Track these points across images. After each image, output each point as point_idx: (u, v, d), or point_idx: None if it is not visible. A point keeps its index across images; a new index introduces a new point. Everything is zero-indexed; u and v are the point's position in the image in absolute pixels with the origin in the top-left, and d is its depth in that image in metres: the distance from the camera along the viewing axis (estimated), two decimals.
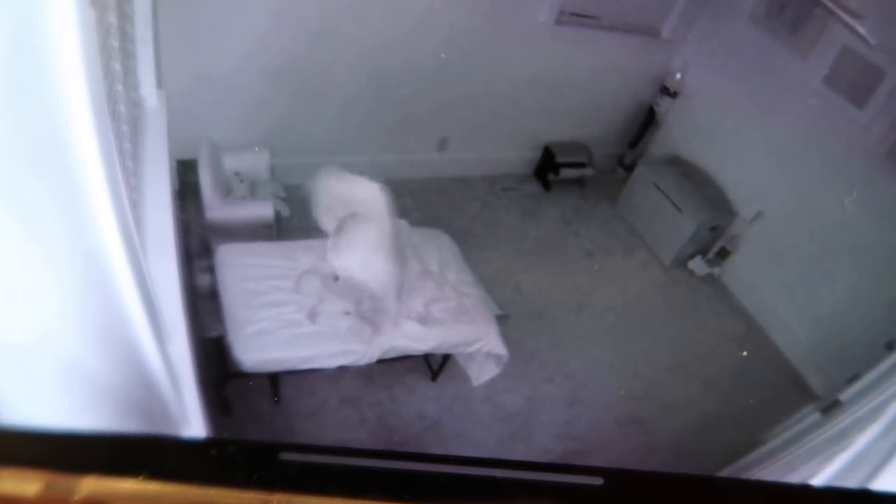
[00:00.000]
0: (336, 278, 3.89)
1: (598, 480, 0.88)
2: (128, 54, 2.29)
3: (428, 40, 5.01)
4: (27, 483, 0.76)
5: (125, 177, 1.59)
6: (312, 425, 3.86)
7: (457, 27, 5.03)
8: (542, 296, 5.25)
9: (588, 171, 6.54)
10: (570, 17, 5.54)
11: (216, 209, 4.12)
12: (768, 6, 5.51)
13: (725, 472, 3.44)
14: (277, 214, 4.54)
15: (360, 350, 3.65)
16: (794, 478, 2.68)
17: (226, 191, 4.36)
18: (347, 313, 3.77)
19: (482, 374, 4.22)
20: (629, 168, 6.79)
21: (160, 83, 2.67)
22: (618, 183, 6.75)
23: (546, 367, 4.65)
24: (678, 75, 6.34)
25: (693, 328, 5.56)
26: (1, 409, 1.01)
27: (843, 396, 2.97)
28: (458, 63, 5.26)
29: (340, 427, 3.91)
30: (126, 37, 2.22)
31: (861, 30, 4.66)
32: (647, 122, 6.74)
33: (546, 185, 6.50)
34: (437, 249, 4.34)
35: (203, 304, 3.35)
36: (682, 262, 6.10)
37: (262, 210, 4.38)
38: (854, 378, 3.05)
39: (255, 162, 4.73)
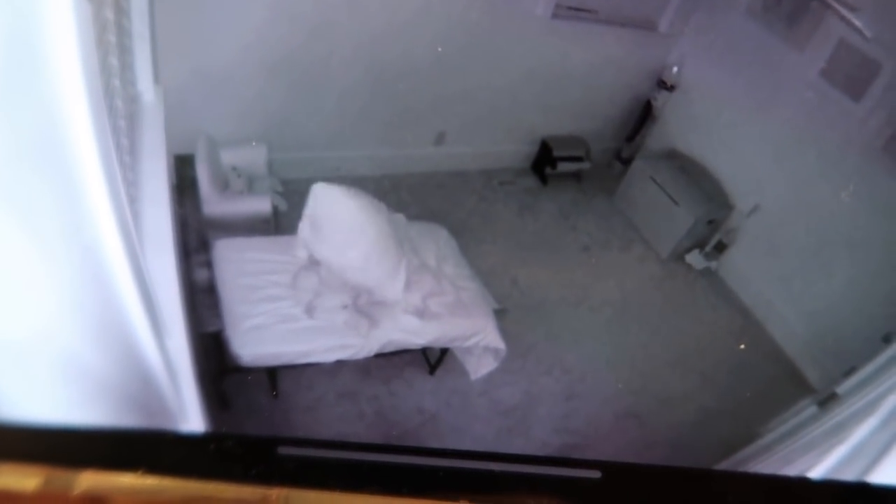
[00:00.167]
0: (330, 272, 3.88)
1: (595, 474, 0.88)
2: (125, 49, 2.29)
3: (425, 34, 5.00)
4: (27, 478, 0.76)
5: (123, 172, 1.59)
6: (310, 420, 3.86)
7: (453, 21, 5.03)
8: (540, 290, 5.25)
9: (585, 165, 6.54)
10: (567, 11, 5.54)
11: (214, 204, 4.12)
12: None
13: (723, 466, 3.44)
14: (275, 209, 4.54)
15: (357, 344, 3.65)
16: (791, 471, 2.69)
17: (223, 185, 4.35)
18: (345, 307, 3.77)
19: (480, 367, 4.22)
20: (626, 162, 6.78)
21: (157, 78, 2.67)
22: (615, 177, 6.75)
23: (544, 361, 4.66)
24: (675, 69, 6.33)
25: (690, 322, 5.56)
26: (0, 405, 1.01)
27: (840, 389, 2.98)
28: (455, 57, 5.26)
29: (338, 421, 3.91)
30: (123, 32, 2.22)
31: (857, 22, 4.66)
32: (643, 115, 6.73)
33: (543, 179, 6.50)
34: (435, 243, 4.33)
35: (201, 299, 3.35)
36: (679, 256, 6.10)
37: (260, 205, 4.38)
38: (851, 371, 3.06)
39: (253, 156, 4.73)
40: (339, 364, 3.81)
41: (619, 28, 5.93)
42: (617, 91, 6.53)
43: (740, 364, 5.33)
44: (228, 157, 4.55)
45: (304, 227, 3.86)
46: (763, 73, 5.56)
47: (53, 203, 0.98)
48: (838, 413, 2.71)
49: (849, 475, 1.72)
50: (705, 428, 4.62)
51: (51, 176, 0.96)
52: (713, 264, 6.05)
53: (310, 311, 3.68)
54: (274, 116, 4.85)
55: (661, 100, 6.50)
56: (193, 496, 0.80)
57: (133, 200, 1.98)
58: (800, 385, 5.16)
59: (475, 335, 3.97)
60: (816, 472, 1.86)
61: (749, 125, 5.76)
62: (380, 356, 3.82)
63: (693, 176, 6.08)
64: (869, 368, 2.89)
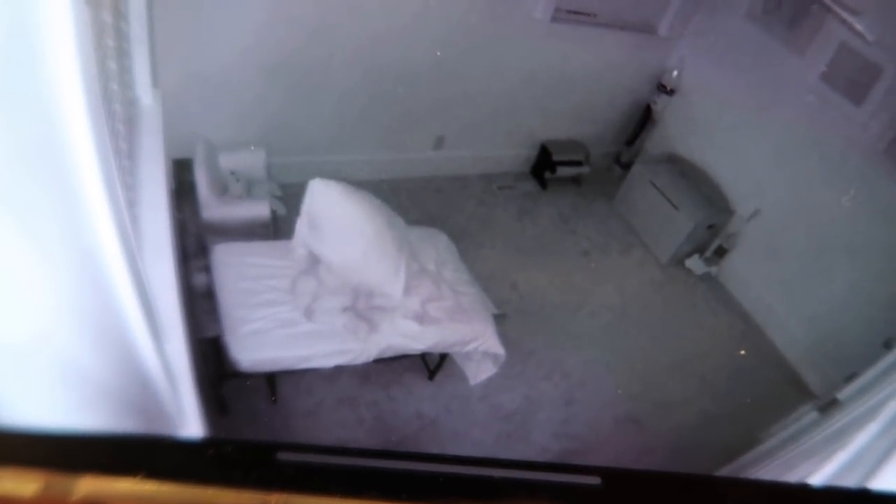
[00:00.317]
0: (329, 270, 3.88)
1: (595, 480, 0.88)
2: (123, 53, 2.29)
3: (424, 38, 5.01)
4: (25, 483, 0.76)
5: (121, 176, 1.59)
6: (310, 425, 3.86)
7: (453, 24, 5.04)
8: (539, 294, 5.26)
9: (585, 170, 6.55)
10: (566, 15, 5.55)
11: (212, 208, 4.12)
12: (765, 2, 5.52)
13: (723, 472, 3.44)
14: (274, 213, 4.54)
15: (356, 349, 3.65)
16: (792, 477, 2.69)
17: (222, 190, 4.35)
18: (344, 310, 3.76)
19: (479, 373, 4.21)
20: (626, 166, 6.80)
21: (156, 82, 2.66)
22: (615, 181, 6.77)
23: (543, 366, 4.66)
24: (675, 73, 6.35)
25: (690, 327, 5.57)
26: None
27: (841, 395, 2.97)
28: (454, 60, 5.26)
29: (337, 427, 3.90)
30: (121, 35, 2.22)
31: (858, 26, 4.66)
32: (643, 119, 6.75)
33: (543, 184, 6.51)
34: (434, 248, 4.33)
35: (199, 304, 3.34)
36: (679, 261, 6.11)
37: (259, 209, 4.38)
38: (852, 377, 3.05)
39: (252, 161, 4.73)
40: (339, 369, 3.80)
41: (619, 31, 5.95)
42: (617, 95, 6.55)
43: (740, 369, 5.34)
44: (227, 162, 4.55)
45: (301, 224, 3.85)
46: (763, 77, 5.57)
47: (51, 207, 0.98)
48: (839, 419, 2.70)
49: (850, 481, 1.72)
50: (706, 433, 4.62)
51: (49, 179, 0.96)
52: (713, 269, 6.05)
53: (309, 314, 3.67)
54: (273, 120, 4.85)
55: (660, 104, 6.52)
56: (192, 501, 0.79)
57: (131, 204, 1.98)
58: (800, 390, 5.16)
59: (474, 340, 3.96)
60: (817, 479, 1.86)
61: (749, 129, 5.77)
62: (379, 361, 3.81)
63: (693, 180, 6.09)
64: (870, 374, 2.89)
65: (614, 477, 0.89)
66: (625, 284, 5.76)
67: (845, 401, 2.92)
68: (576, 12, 5.60)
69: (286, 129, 4.96)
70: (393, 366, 4.18)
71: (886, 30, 4.60)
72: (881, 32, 4.62)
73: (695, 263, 6.08)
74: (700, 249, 6.10)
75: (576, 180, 6.68)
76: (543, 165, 6.46)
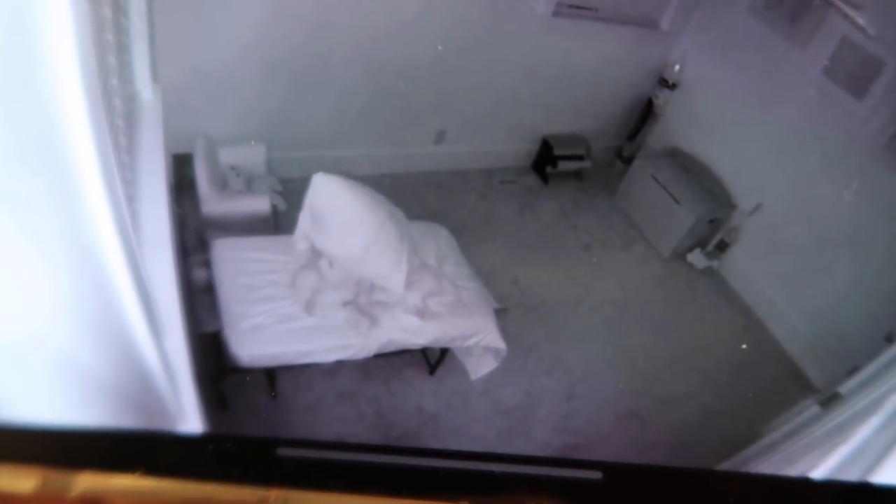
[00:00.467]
0: (331, 264, 3.87)
1: (596, 475, 0.88)
2: (123, 48, 2.28)
3: (425, 32, 5.00)
4: (24, 479, 0.76)
5: (121, 171, 1.58)
6: (310, 420, 3.86)
7: (454, 19, 5.02)
8: (541, 289, 5.25)
9: (586, 164, 6.54)
10: (568, 9, 5.54)
11: (212, 203, 4.11)
12: None
13: (725, 466, 3.44)
14: (274, 208, 4.53)
15: (357, 344, 3.65)
16: (793, 471, 2.69)
17: (222, 185, 4.35)
18: (345, 304, 3.76)
19: (480, 367, 4.21)
20: (627, 160, 6.78)
21: (156, 77, 2.66)
22: (616, 175, 6.76)
23: (544, 361, 4.66)
24: (677, 67, 6.33)
25: (692, 321, 5.57)
26: None
27: (843, 389, 2.98)
28: (456, 55, 5.25)
29: (338, 422, 3.91)
30: (121, 30, 2.21)
31: (860, 20, 4.65)
32: (645, 114, 6.74)
33: (544, 178, 6.50)
34: (435, 243, 4.33)
35: (199, 299, 3.34)
36: (680, 255, 6.10)
37: (259, 204, 4.37)
38: (853, 371, 3.06)
39: (252, 156, 4.73)
40: (339, 364, 3.81)
41: (621, 26, 5.93)
42: (618, 89, 6.54)
43: (742, 363, 5.33)
44: (227, 157, 4.55)
45: (303, 217, 3.85)
46: (765, 71, 5.56)
47: (51, 202, 0.98)
48: (841, 413, 2.70)
49: (851, 475, 1.72)
50: (707, 428, 4.62)
51: (48, 175, 0.95)
52: (715, 263, 6.05)
53: (309, 308, 3.67)
54: (273, 115, 4.84)
55: (662, 98, 6.51)
56: (192, 497, 0.79)
57: (131, 200, 1.97)
58: (802, 384, 5.16)
59: (475, 335, 3.96)
60: (819, 472, 1.86)
61: (751, 123, 5.76)
62: (379, 356, 3.81)
63: (695, 175, 6.08)
64: (871, 368, 2.89)
65: (615, 472, 0.89)
66: (626, 279, 5.76)
67: (847, 395, 2.92)
68: (577, 7, 5.58)
69: (286, 124, 4.95)
70: (393, 361, 4.18)
71: (888, 24, 4.59)
72: (883, 27, 4.61)
73: (696, 258, 6.08)
74: (702, 244, 6.09)
75: (577, 175, 6.67)
76: (545, 160, 6.46)
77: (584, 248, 5.96)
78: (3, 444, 0.83)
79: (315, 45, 4.63)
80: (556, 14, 5.47)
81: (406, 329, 3.77)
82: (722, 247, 6.02)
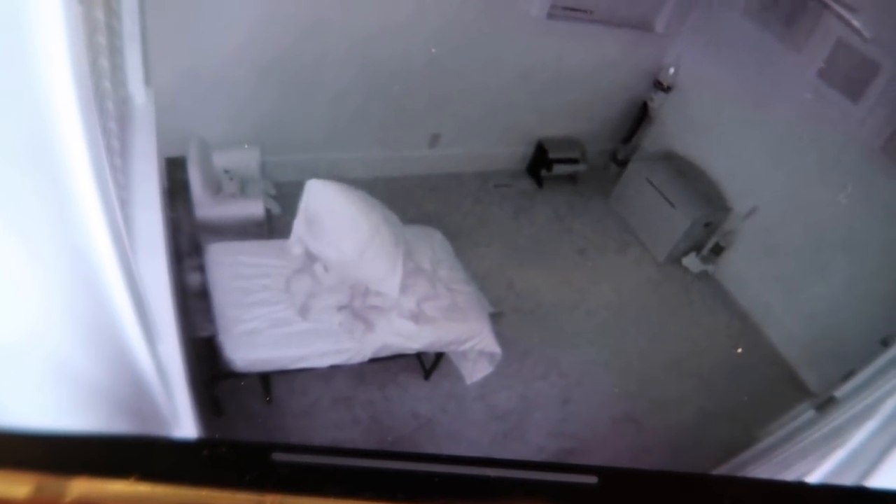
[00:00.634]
0: (326, 269, 3.87)
1: (592, 479, 0.87)
2: (115, 51, 2.28)
3: (419, 35, 5.00)
4: (17, 485, 0.75)
5: (113, 175, 1.58)
6: (305, 425, 3.85)
7: (448, 21, 5.03)
8: (536, 293, 5.26)
9: (581, 167, 6.55)
10: (563, 11, 5.55)
11: (206, 207, 4.11)
12: None
13: (721, 470, 3.44)
14: (268, 212, 4.53)
15: (352, 349, 3.65)
16: (789, 475, 2.69)
17: (216, 189, 4.34)
18: (340, 309, 3.76)
19: (475, 372, 4.21)
20: (622, 164, 6.80)
21: (148, 80, 2.66)
22: (611, 179, 6.77)
23: (540, 365, 4.66)
24: (671, 70, 6.35)
25: (687, 325, 5.57)
26: None
27: (839, 393, 2.98)
28: (450, 58, 5.26)
29: (333, 427, 3.90)
30: (113, 33, 2.21)
31: (856, 23, 4.67)
32: (640, 117, 6.76)
33: (539, 182, 6.51)
34: (430, 247, 4.33)
35: (193, 304, 3.33)
36: (676, 259, 6.11)
37: (253, 208, 4.37)
38: (849, 374, 3.06)
39: (245, 159, 4.72)
40: (334, 369, 3.81)
41: (616, 28, 5.94)
42: (613, 92, 6.55)
43: (738, 367, 5.34)
44: (221, 160, 4.54)
45: (298, 222, 3.85)
46: (761, 74, 5.58)
47: (43, 206, 0.97)
48: (837, 417, 2.71)
49: (847, 479, 1.72)
50: (703, 432, 4.62)
51: (40, 178, 0.95)
52: (710, 267, 6.06)
53: (304, 312, 3.67)
54: (266, 118, 4.84)
55: (657, 101, 6.52)
56: (186, 503, 0.79)
57: (124, 203, 1.97)
58: (798, 388, 5.17)
59: (470, 339, 3.96)
60: (815, 477, 1.86)
61: (746, 126, 5.78)
62: (374, 361, 3.81)
63: (690, 178, 6.10)
64: (867, 372, 2.89)
65: (611, 476, 0.89)
66: (621, 283, 5.77)
67: (843, 399, 2.92)
68: (572, 9, 5.59)
69: (280, 127, 4.95)
70: (388, 365, 4.18)
71: (883, 27, 4.61)
72: (878, 29, 4.62)
73: (692, 261, 6.09)
74: (697, 247, 6.11)
75: (572, 178, 6.69)
76: (539, 163, 6.46)
77: (579, 252, 5.96)
78: None
79: (308, 48, 4.63)
80: (550, 16, 5.48)
81: (401, 333, 3.77)
82: (717, 250, 6.03)
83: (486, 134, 6.18)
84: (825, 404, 3.04)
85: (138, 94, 2.61)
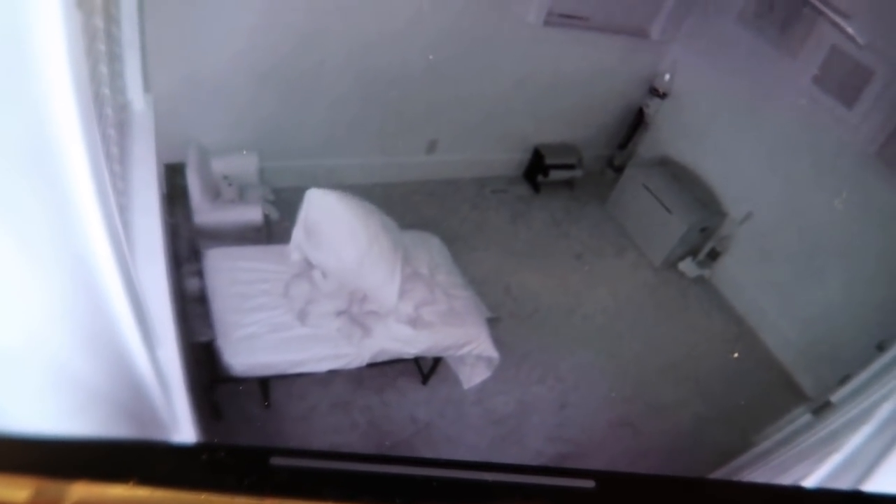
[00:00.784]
0: (324, 276, 3.88)
1: (590, 483, 0.88)
2: (114, 57, 2.28)
3: (416, 42, 5.01)
4: (17, 489, 0.76)
5: (113, 181, 1.58)
6: (303, 430, 3.85)
7: (445, 29, 5.03)
8: (533, 298, 5.26)
9: (577, 173, 6.56)
10: (559, 19, 5.55)
11: (205, 213, 4.11)
12: (757, 6, 5.55)
13: (717, 474, 3.44)
14: (266, 218, 4.53)
15: (350, 353, 3.65)
16: (785, 479, 2.69)
17: (214, 194, 4.35)
18: (339, 314, 3.76)
19: (473, 376, 4.22)
20: (619, 169, 6.81)
21: (147, 86, 2.66)
22: (607, 184, 6.78)
23: (537, 370, 4.66)
24: (667, 76, 6.36)
25: (684, 330, 5.58)
26: None
27: (835, 397, 2.98)
28: (447, 65, 5.27)
29: (331, 431, 3.90)
30: (112, 40, 2.21)
31: (849, 29, 4.69)
32: (636, 123, 6.77)
33: (535, 187, 6.52)
34: (427, 252, 4.33)
35: (192, 309, 3.33)
36: (672, 264, 6.12)
37: (251, 213, 4.37)
38: (845, 379, 3.06)
39: (244, 165, 4.72)
40: (332, 374, 3.81)
41: (612, 35, 5.95)
42: (609, 98, 6.56)
43: (734, 372, 5.35)
44: (219, 166, 4.55)
45: (297, 232, 3.87)
46: (756, 80, 5.59)
47: (43, 211, 0.98)
48: (833, 421, 2.71)
49: (843, 484, 1.72)
50: (699, 436, 4.63)
51: (40, 184, 0.95)
52: (706, 272, 6.07)
53: (302, 317, 3.67)
54: (265, 125, 4.84)
55: (653, 107, 6.53)
56: None
57: (123, 209, 1.97)
58: (794, 393, 5.18)
59: (468, 344, 3.96)
60: (811, 481, 1.86)
61: (742, 132, 5.78)
62: (372, 366, 3.81)
63: (685, 183, 6.11)
64: (863, 376, 2.90)
65: (608, 480, 0.89)
66: (618, 287, 5.77)
67: (838, 403, 2.93)
68: (568, 16, 5.60)
69: (279, 134, 4.95)
70: (386, 370, 4.18)
71: (877, 33, 4.62)
72: (872, 36, 4.64)
73: (688, 266, 6.10)
74: (693, 252, 6.11)
75: (569, 184, 6.69)
76: (536, 169, 6.47)
77: (576, 257, 5.97)
78: None
79: (307, 55, 4.63)
80: (547, 23, 5.49)
81: (399, 338, 3.77)
82: (713, 255, 6.04)
83: (484, 140, 6.19)
84: (821, 408, 3.05)
85: (137, 100, 2.61)
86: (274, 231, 4.64)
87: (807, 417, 3.19)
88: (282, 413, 3.87)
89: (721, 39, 5.90)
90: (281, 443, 3.77)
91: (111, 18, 2.17)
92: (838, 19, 4.73)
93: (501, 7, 5.24)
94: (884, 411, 1.93)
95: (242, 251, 3.96)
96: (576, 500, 0.87)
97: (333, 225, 3.78)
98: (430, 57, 5.12)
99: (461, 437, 4.13)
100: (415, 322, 3.84)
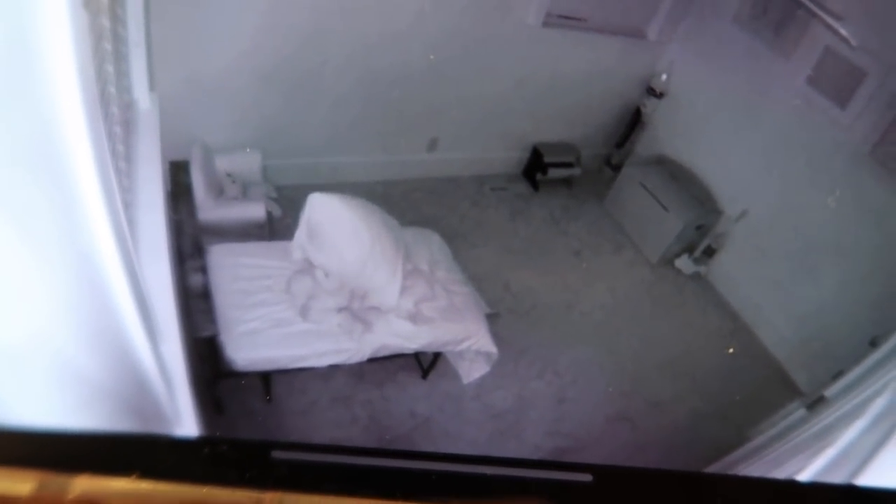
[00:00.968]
0: (326, 274, 3.89)
1: (587, 477, 0.88)
2: (120, 57, 2.30)
3: (418, 42, 5.02)
4: (20, 482, 0.76)
5: (118, 178, 1.60)
6: (304, 424, 3.86)
7: (446, 29, 5.04)
8: (532, 294, 5.28)
9: (576, 171, 6.57)
10: (558, 20, 5.56)
11: (208, 210, 4.12)
12: (752, 8, 5.57)
13: (713, 468, 3.45)
14: (269, 215, 4.54)
15: (351, 349, 3.66)
16: (780, 473, 2.70)
17: (218, 192, 4.35)
18: (340, 310, 3.77)
19: (472, 372, 4.23)
20: (616, 168, 6.83)
21: (152, 85, 2.67)
22: (605, 182, 6.80)
23: (535, 365, 4.67)
24: (664, 76, 6.37)
25: (680, 326, 5.59)
26: None
27: (829, 393, 3.00)
28: (448, 65, 5.28)
29: (332, 425, 3.91)
30: (118, 39, 2.23)
31: (843, 31, 4.70)
32: (633, 122, 6.78)
33: (534, 185, 6.53)
34: (428, 248, 4.35)
35: (195, 304, 3.34)
36: (668, 261, 6.13)
37: (254, 211, 4.38)
38: (839, 374, 3.08)
39: (247, 163, 4.73)
40: (333, 368, 3.82)
41: (610, 36, 5.97)
42: (607, 98, 6.58)
43: (730, 367, 5.36)
44: (223, 164, 4.56)
45: (300, 234, 3.89)
46: (751, 80, 5.61)
47: (49, 208, 0.99)
48: (826, 416, 2.73)
49: (837, 477, 1.73)
50: (695, 430, 4.64)
51: (47, 182, 0.96)
52: (702, 269, 6.08)
53: (304, 312, 3.68)
54: (268, 123, 4.85)
55: (650, 106, 6.55)
56: (188, 500, 0.80)
57: (128, 206, 1.98)
58: (788, 388, 5.20)
59: (467, 339, 3.97)
60: (805, 475, 1.87)
61: (737, 131, 5.80)
62: (373, 361, 3.83)
63: (682, 182, 6.13)
64: (856, 371, 2.91)
65: (606, 474, 0.90)
66: (615, 284, 5.79)
67: (832, 398, 2.94)
68: (567, 17, 5.61)
69: (281, 132, 4.96)
70: (387, 365, 4.19)
71: (870, 35, 4.64)
72: (865, 37, 4.66)
73: (684, 263, 6.11)
74: (689, 249, 6.13)
75: (567, 182, 6.70)
76: (535, 167, 6.49)
77: (575, 254, 5.98)
78: (1, 448, 0.83)
79: (309, 55, 4.64)
80: (546, 24, 5.50)
81: (399, 334, 3.78)
82: (709, 252, 6.06)
83: (483, 139, 6.20)
84: (815, 404, 3.06)
85: (143, 99, 2.63)
86: (276, 228, 4.66)
87: (801, 412, 3.21)
88: (283, 407, 3.88)
89: (717, 40, 5.92)
90: (282, 437, 3.77)
91: (117, 18, 2.19)
92: (831, 21, 4.75)
93: (501, 8, 5.25)
94: (877, 406, 1.95)
95: (245, 247, 3.97)
96: (573, 494, 0.88)
97: (336, 227, 3.80)
98: (431, 57, 5.13)
99: (460, 432, 4.14)
100: (415, 318, 3.86)
